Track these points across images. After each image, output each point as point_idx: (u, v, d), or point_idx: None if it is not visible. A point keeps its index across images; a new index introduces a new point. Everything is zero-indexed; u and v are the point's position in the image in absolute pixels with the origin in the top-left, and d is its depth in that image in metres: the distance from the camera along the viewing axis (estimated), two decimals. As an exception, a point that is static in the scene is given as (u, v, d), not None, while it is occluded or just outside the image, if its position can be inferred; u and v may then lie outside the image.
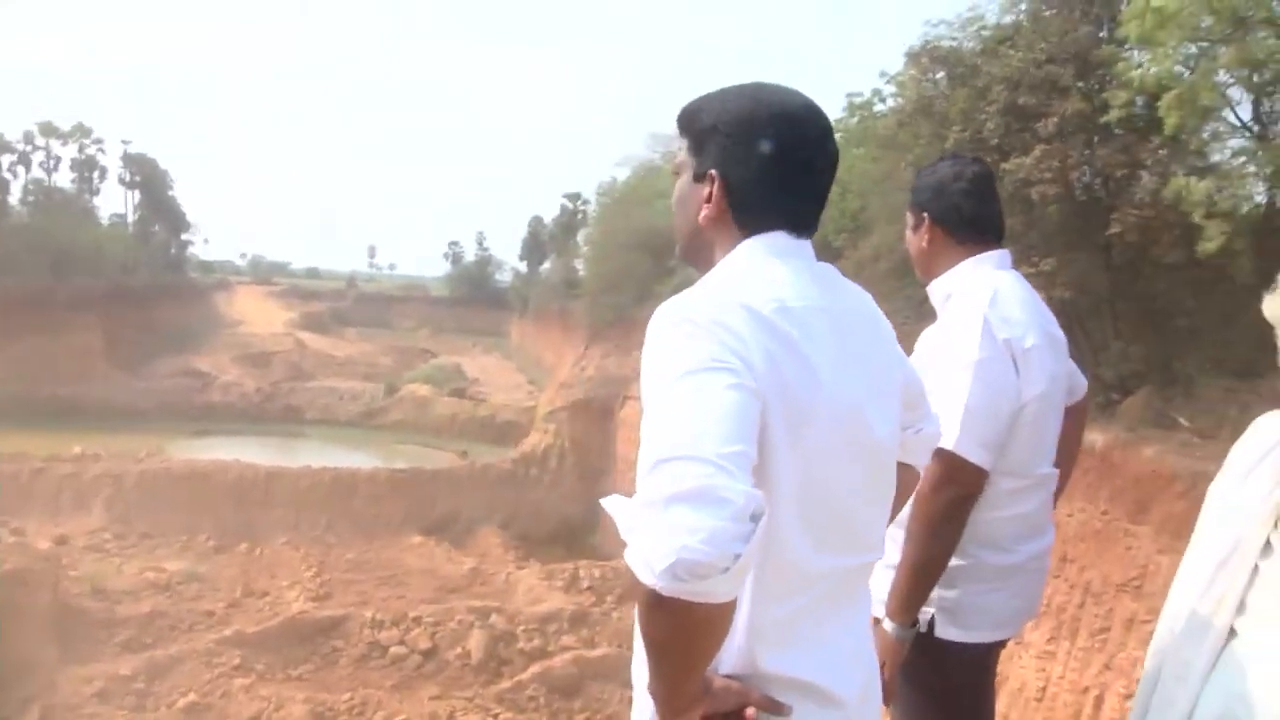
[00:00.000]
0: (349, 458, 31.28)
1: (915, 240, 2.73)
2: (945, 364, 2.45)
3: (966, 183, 2.69)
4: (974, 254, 2.65)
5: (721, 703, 1.42)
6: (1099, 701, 7.59)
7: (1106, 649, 7.65)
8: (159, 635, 17.49)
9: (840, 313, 1.56)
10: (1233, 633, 1.61)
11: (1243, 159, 8.36)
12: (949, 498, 2.40)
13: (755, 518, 1.23)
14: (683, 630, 1.28)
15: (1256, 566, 1.60)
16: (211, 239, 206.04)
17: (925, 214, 2.68)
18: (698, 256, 1.68)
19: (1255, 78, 7.76)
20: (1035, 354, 2.49)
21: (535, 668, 16.61)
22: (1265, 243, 8.18)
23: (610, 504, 1.32)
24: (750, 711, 1.43)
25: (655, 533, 1.22)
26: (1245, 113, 8.31)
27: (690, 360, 1.35)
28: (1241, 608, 1.61)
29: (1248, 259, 8.34)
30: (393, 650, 17.20)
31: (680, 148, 1.68)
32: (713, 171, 1.59)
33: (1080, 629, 7.91)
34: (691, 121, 1.65)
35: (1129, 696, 7.27)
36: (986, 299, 2.49)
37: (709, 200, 1.60)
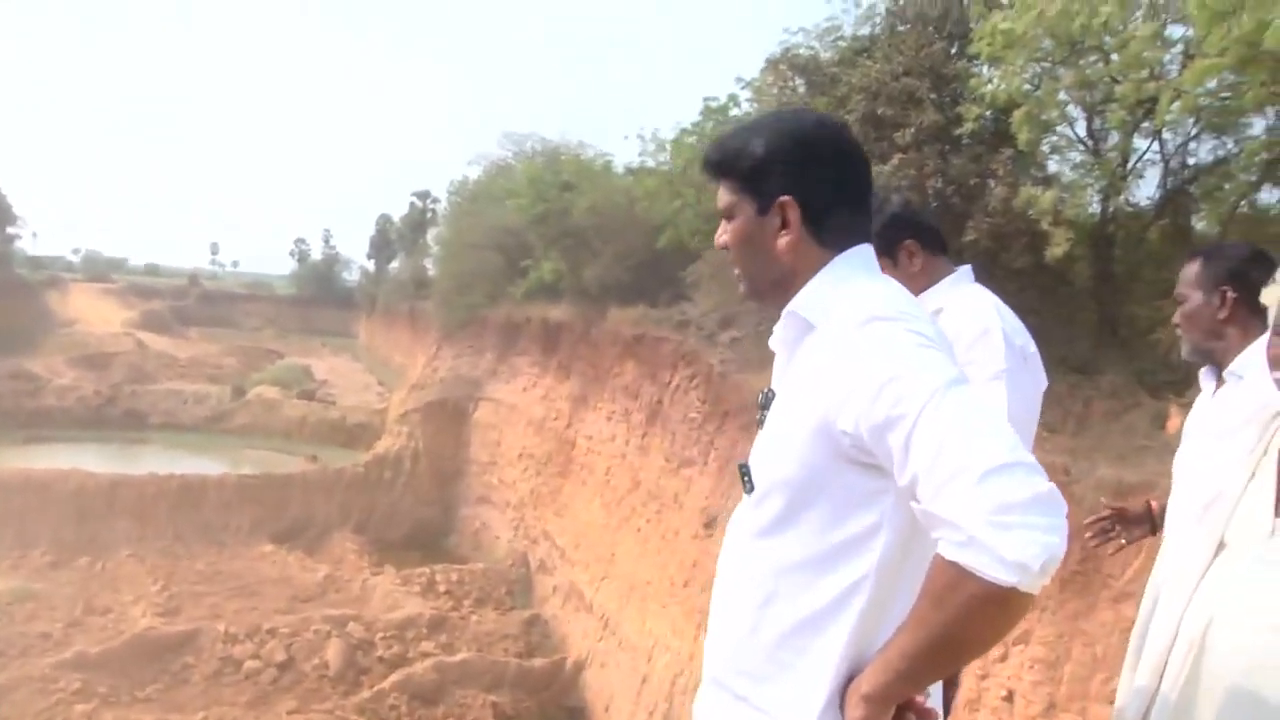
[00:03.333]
0: (195, 464, 30.06)
1: (907, 269, 2.76)
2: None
3: (915, 205, 2.83)
4: (948, 268, 2.78)
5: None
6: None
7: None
8: (-11, 660, 16.43)
9: None
10: (1214, 559, 1.99)
11: (1081, 171, 8.87)
12: None
13: None
14: (1006, 627, 1.41)
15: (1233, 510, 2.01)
16: (41, 234, 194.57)
17: (916, 241, 2.77)
18: (777, 288, 1.72)
19: (1089, 98, 8.22)
20: (1036, 357, 2.66)
21: (395, 676, 16.26)
22: (1100, 249, 8.71)
23: (944, 510, 1.37)
24: (920, 698, 1.53)
25: (1026, 534, 1.31)
26: (1082, 129, 8.81)
27: (945, 372, 1.46)
28: (1221, 543, 2.01)
29: (1086, 264, 8.88)
30: (247, 664, 16.62)
31: (724, 191, 1.74)
32: (784, 198, 1.67)
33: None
34: (736, 160, 1.71)
35: (985, 676, 7.57)
36: (994, 311, 2.61)
37: (784, 227, 1.68)
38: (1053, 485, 1.36)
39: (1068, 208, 8.06)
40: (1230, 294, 2.53)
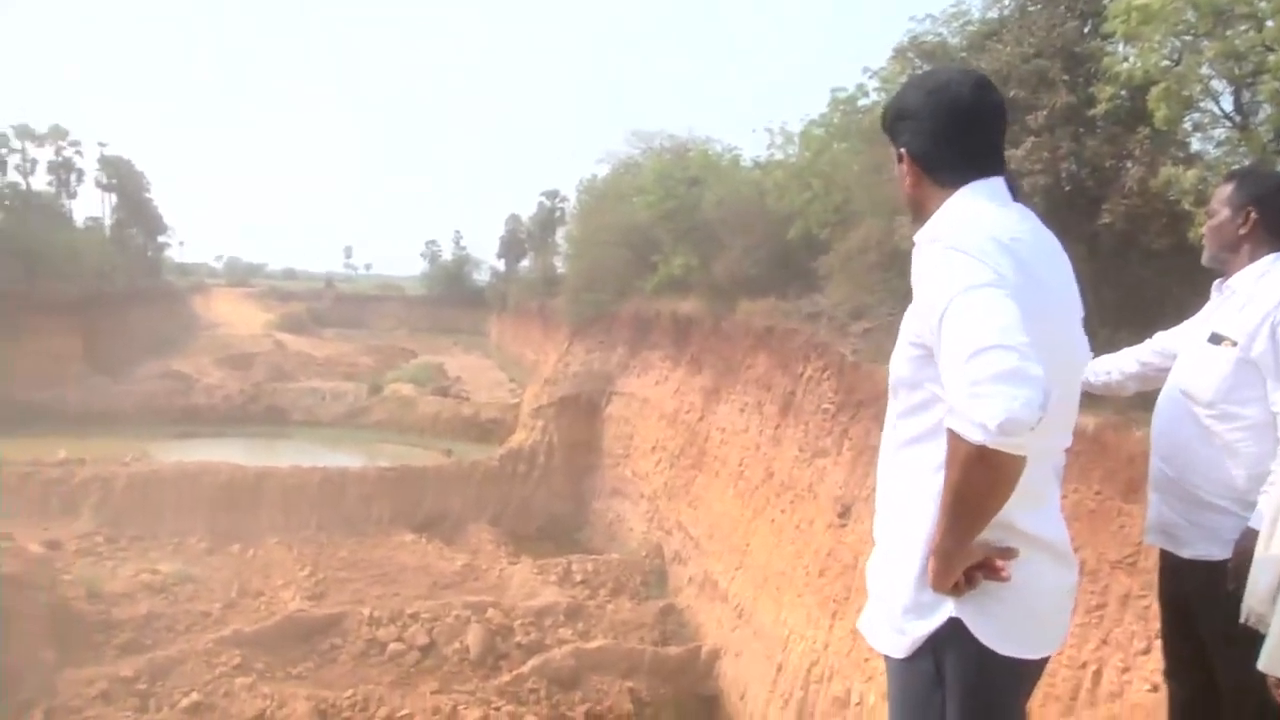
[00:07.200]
0: (334, 457, 31.29)
1: None
2: None
3: None
4: None
5: (978, 555, 1.86)
6: (1097, 676, 7.82)
7: (1103, 625, 7.88)
8: (157, 637, 17.53)
9: (1044, 242, 2.06)
10: None
11: (1226, 148, 8.61)
12: None
13: (1047, 391, 1.67)
14: (996, 482, 1.70)
15: None
16: (188, 241, 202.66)
17: None
18: (917, 214, 2.13)
19: (1236, 70, 7.95)
20: None
21: (534, 661, 16.73)
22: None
23: (947, 387, 1.76)
24: (999, 563, 1.86)
25: (991, 401, 1.64)
26: (1227, 104, 8.54)
27: (972, 278, 1.81)
28: None
29: (1232, 245, 8.61)
30: (391, 647, 17.33)
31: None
32: (901, 150, 2.13)
33: (1077, 606, 8.14)
34: (884, 120, 2.19)
35: (1126, 670, 7.52)
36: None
37: (908, 173, 2.13)
38: (1026, 365, 1.66)
39: (1212, 187, 7.86)
40: (1253, 214, 2.85)
